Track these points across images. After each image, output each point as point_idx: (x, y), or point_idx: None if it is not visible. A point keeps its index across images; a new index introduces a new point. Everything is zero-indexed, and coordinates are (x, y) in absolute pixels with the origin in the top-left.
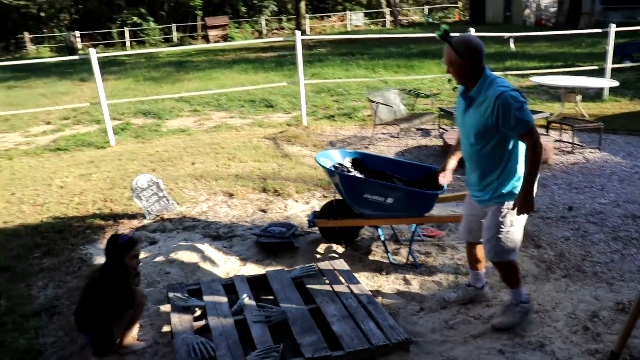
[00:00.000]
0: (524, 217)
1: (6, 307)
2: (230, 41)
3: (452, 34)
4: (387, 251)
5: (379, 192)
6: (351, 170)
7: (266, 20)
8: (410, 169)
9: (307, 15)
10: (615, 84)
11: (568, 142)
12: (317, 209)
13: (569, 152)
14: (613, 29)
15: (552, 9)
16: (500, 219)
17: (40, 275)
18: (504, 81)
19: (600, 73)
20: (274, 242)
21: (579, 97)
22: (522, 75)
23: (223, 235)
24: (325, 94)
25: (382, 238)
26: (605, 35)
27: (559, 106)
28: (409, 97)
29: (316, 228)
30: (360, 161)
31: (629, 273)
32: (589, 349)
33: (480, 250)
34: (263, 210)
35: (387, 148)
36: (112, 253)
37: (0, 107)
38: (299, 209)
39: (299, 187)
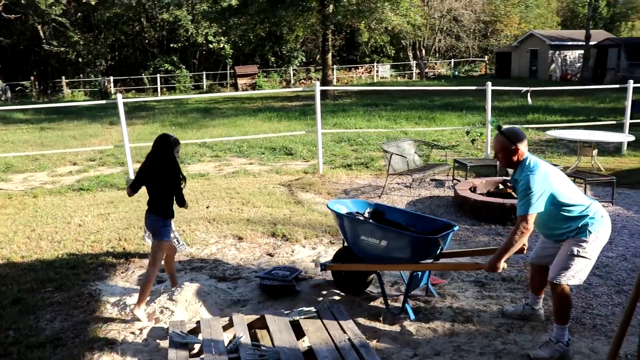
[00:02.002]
0: (592, 259)
1: (13, 338)
2: (258, 89)
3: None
4: (385, 297)
5: (373, 234)
6: (368, 220)
7: (294, 70)
8: (425, 222)
9: (335, 67)
10: (631, 138)
11: None
12: (324, 254)
13: None
14: (631, 85)
15: (578, 65)
16: (572, 247)
17: (50, 308)
18: (538, 168)
19: (620, 128)
20: (275, 284)
21: (595, 151)
22: (542, 129)
23: (229, 277)
24: (345, 143)
25: (380, 283)
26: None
27: (576, 159)
28: (425, 147)
29: (320, 273)
30: (380, 213)
31: (629, 327)
32: None
33: (545, 277)
34: (270, 254)
35: (399, 198)
36: (165, 146)
37: (31, 148)
38: (305, 254)
39: (308, 233)
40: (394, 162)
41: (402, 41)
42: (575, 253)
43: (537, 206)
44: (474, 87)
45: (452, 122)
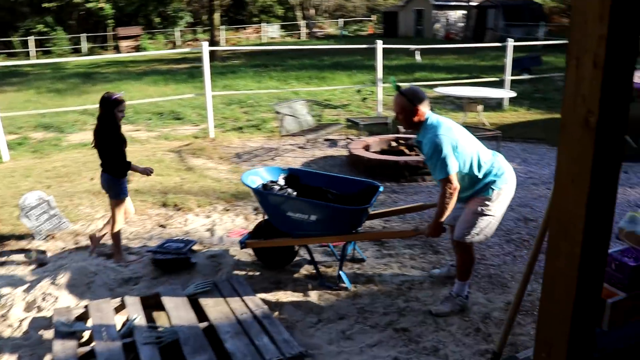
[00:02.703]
0: (497, 215)
1: None
2: (142, 52)
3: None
4: (317, 270)
5: (301, 210)
6: (284, 187)
7: (181, 31)
8: (347, 184)
9: (223, 27)
10: (513, 94)
11: None
12: (218, 222)
13: None
14: (511, 43)
15: (460, 24)
16: (476, 206)
17: None
18: (441, 127)
19: (500, 84)
20: (169, 258)
21: (480, 107)
22: (430, 86)
23: None
24: (236, 105)
25: (311, 256)
26: (506, 49)
27: (463, 115)
28: (317, 107)
29: (216, 243)
30: (295, 177)
31: (519, 274)
32: (480, 350)
33: None
34: (162, 226)
35: (293, 159)
36: (106, 106)
37: None
38: (199, 223)
39: (201, 201)
40: (287, 123)
41: (290, 0)
42: (479, 211)
43: (454, 164)
44: (364, 46)
45: (342, 82)
